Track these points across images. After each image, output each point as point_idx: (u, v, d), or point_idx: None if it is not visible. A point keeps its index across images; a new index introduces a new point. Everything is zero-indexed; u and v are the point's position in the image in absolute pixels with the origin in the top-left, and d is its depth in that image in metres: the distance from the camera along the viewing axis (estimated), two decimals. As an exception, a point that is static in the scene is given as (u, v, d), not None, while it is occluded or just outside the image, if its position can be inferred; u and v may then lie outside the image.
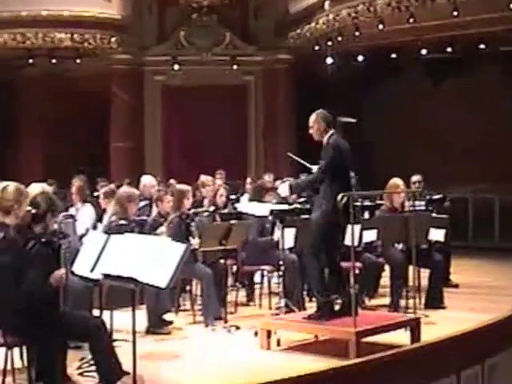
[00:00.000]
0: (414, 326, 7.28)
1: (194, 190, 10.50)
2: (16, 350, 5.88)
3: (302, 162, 7.83)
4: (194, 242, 8.24)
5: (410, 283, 8.73)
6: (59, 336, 5.60)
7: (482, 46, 16.24)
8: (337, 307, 7.34)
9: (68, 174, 11.24)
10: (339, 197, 6.79)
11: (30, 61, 18.65)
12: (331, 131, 7.31)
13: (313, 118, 7.37)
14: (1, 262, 5.52)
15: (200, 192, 11.07)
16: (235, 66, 18.13)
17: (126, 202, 7.97)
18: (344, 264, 7.82)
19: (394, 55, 17.59)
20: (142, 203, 9.85)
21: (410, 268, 8.73)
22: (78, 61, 18.52)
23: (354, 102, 17.24)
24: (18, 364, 6.04)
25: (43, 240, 5.54)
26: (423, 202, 10.33)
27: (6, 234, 5.75)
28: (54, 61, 18.68)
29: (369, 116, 17.47)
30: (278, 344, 7.33)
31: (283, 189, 7.49)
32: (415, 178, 11.16)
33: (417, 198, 10.27)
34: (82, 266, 5.85)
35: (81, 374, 6.20)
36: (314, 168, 7.42)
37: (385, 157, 17.53)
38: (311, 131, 7.39)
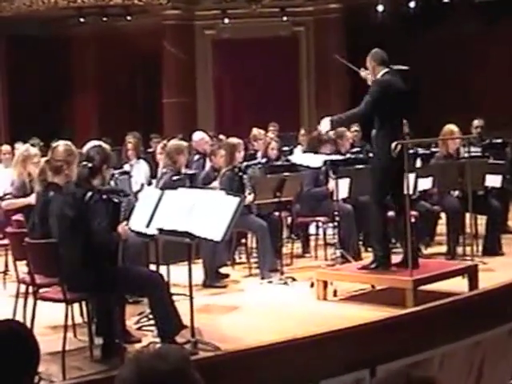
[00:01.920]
0: (472, 274, 7.20)
1: (247, 144, 10.50)
2: (76, 306, 5.99)
3: (350, 65, 7.64)
4: (248, 195, 8.24)
5: (467, 230, 8.64)
6: (118, 291, 5.69)
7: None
8: (398, 258, 7.27)
9: (122, 131, 11.30)
10: (393, 145, 6.70)
11: (82, 20, 18.75)
12: (384, 70, 7.08)
13: (367, 58, 7.21)
14: (61, 216, 5.61)
15: (252, 145, 11.06)
16: (285, 18, 17.94)
17: (174, 154, 8.06)
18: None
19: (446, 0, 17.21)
20: (196, 157, 9.89)
21: (467, 215, 8.62)
22: (129, 18, 18.56)
23: (405, 49, 16.96)
24: (78, 319, 6.16)
25: (104, 197, 5.60)
26: (479, 148, 10.16)
27: (58, 192, 5.84)
28: (104, 19, 18.76)
29: (422, 62, 17.16)
30: (335, 294, 7.33)
31: (324, 124, 7.33)
32: (477, 122, 10.97)
33: (475, 143, 10.11)
34: (137, 222, 5.90)
35: (139, 329, 6.29)
36: (362, 72, 7.28)
37: (439, 103, 17.25)
38: (366, 73, 7.25)
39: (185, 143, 8.71)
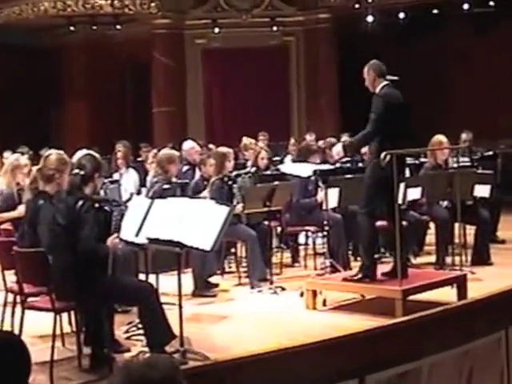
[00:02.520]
0: (461, 283, 7.22)
1: (237, 153, 10.51)
2: (64, 315, 5.97)
3: None
4: (237, 205, 8.23)
5: (456, 240, 8.66)
6: (108, 301, 5.67)
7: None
8: (387, 267, 7.27)
9: (112, 140, 11.30)
10: (382, 155, 6.71)
11: (72, 28, 18.75)
12: (384, 82, 7.10)
13: (365, 69, 7.22)
14: (52, 224, 5.61)
15: (243, 155, 11.06)
16: (275, 28, 17.99)
17: (166, 163, 8.06)
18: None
19: (435, 11, 17.28)
20: (185, 168, 9.89)
21: (456, 225, 8.65)
22: (119, 27, 18.57)
23: (395, 60, 17.02)
24: (66, 329, 6.14)
25: (96, 206, 5.59)
26: (467, 158, 10.20)
27: (48, 200, 5.83)
28: (94, 27, 18.77)
29: (411, 73, 17.23)
30: (324, 304, 7.33)
31: (337, 150, 7.31)
32: (464, 135, 11.02)
33: (465, 154, 10.15)
34: (127, 231, 5.88)
35: (128, 338, 6.27)
36: None
37: (427, 114, 17.31)
38: (366, 83, 7.24)
39: (177, 153, 8.72)
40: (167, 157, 8.18)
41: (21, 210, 6.99)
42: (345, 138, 7.42)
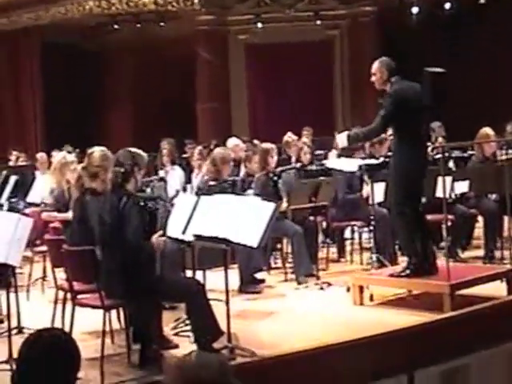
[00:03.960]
0: (510, 278, 7.12)
1: (281, 149, 10.50)
2: (113, 312, 6.03)
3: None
4: (283, 202, 8.21)
5: (505, 234, 8.55)
6: (156, 298, 5.71)
7: None
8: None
9: (157, 137, 11.37)
10: (429, 149, 6.65)
11: (116, 27, 18.93)
12: (393, 79, 7.00)
13: (376, 65, 7.08)
14: (100, 222, 5.67)
15: (286, 151, 11.06)
16: (319, 21, 17.93)
17: (220, 162, 8.08)
18: (436, 216, 7.71)
19: (482, 1, 17.07)
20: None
21: (505, 218, 8.54)
22: (162, 24, 18.68)
23: (440, 52, 16.86)
24: (115, 325, 6.20)
25: (141, 204, 5.62)
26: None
27: (95, 197, 5.90)
28: (138, 25, 18.92)
29: (456, 65, 17.05)
30: (371, 299, 7.29)
31: (341, 139, 7.25)
32: (510, 127, 10.87)
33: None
34: (173, 228, 5.92)
35: (176, 334, 6.30)
36: None
37: (474, 106, 17.12)
38: (373, 79, 7.11)
39: (231, 154, 8.71)
40: (221, 157, 8.18)
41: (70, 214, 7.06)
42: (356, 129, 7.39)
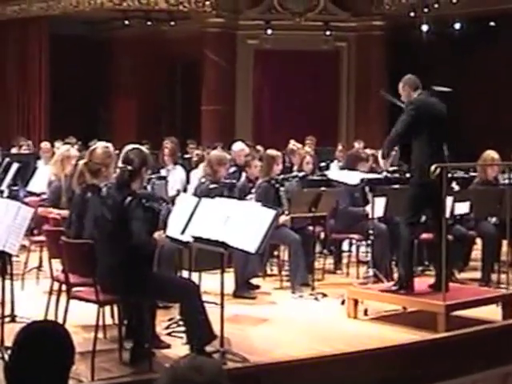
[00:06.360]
0: (507, 302, 7.11)
1: (284, 156, 10.49)
2: (107, 307, 6.01)
3: (395, 100, 7.59)
4: (283, 211, 8.20)
5: (503, 258, 8.55)
6: (151, 296, 5.69)
7: None
8: (430, 281, 7.22)
9: (160, 136, 11.37)
10: (432, 168, 6.63)
11: (126, 22, 18.96)
12: (418, 91, 7.08)
13: (400, 85, 7.21)
14: (100, 218, 5.64)
15: (289, 159, 11.04)
16: (328, 32, 17.97)
17: (216, 164, 8.06)
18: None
19: (492, 23, 17.11)
20: (233, 169, 9.91)
21: (504, 243, 8.54)
22: (173, 23, 18.70)
23: (448, 72, 16.89)
24: (108, 321, 6.18)
25: (146, 204, 5.59)
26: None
27: (96, 193, 5.87)
28: (149, 23, 18.96)
29: (464, 85, 17.08)
30: (365, 313, 7.28)
31: (382, 162, 7.40)
32: None
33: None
34: (172, 228, 5.90)
35: (169, 334, 6.29)
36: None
37: (478, 127, 17.13)
38: (402, 98, 7.22)
39: (228, 156, 8.71)
40: (218, 158, 8.19)
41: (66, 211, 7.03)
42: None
